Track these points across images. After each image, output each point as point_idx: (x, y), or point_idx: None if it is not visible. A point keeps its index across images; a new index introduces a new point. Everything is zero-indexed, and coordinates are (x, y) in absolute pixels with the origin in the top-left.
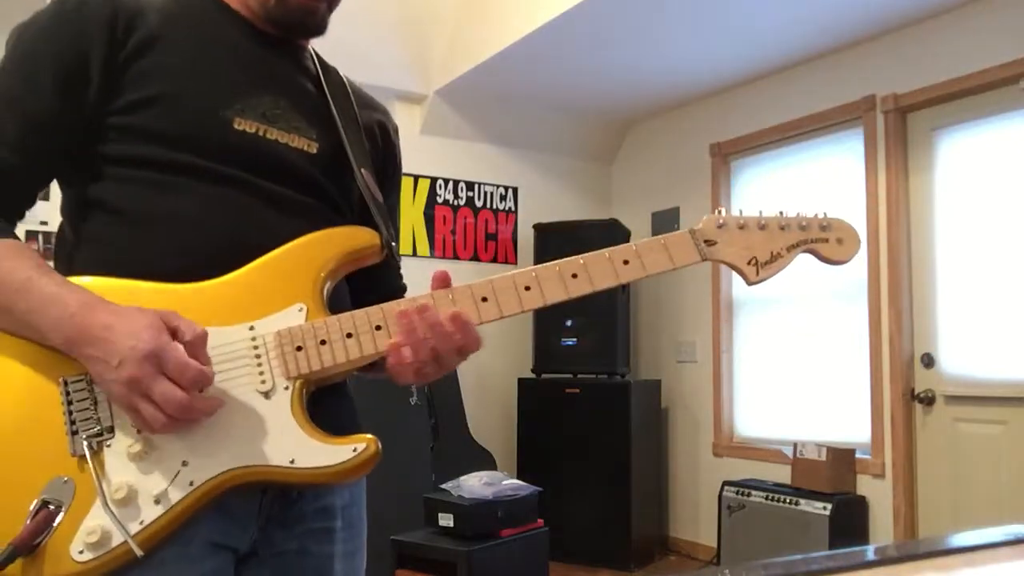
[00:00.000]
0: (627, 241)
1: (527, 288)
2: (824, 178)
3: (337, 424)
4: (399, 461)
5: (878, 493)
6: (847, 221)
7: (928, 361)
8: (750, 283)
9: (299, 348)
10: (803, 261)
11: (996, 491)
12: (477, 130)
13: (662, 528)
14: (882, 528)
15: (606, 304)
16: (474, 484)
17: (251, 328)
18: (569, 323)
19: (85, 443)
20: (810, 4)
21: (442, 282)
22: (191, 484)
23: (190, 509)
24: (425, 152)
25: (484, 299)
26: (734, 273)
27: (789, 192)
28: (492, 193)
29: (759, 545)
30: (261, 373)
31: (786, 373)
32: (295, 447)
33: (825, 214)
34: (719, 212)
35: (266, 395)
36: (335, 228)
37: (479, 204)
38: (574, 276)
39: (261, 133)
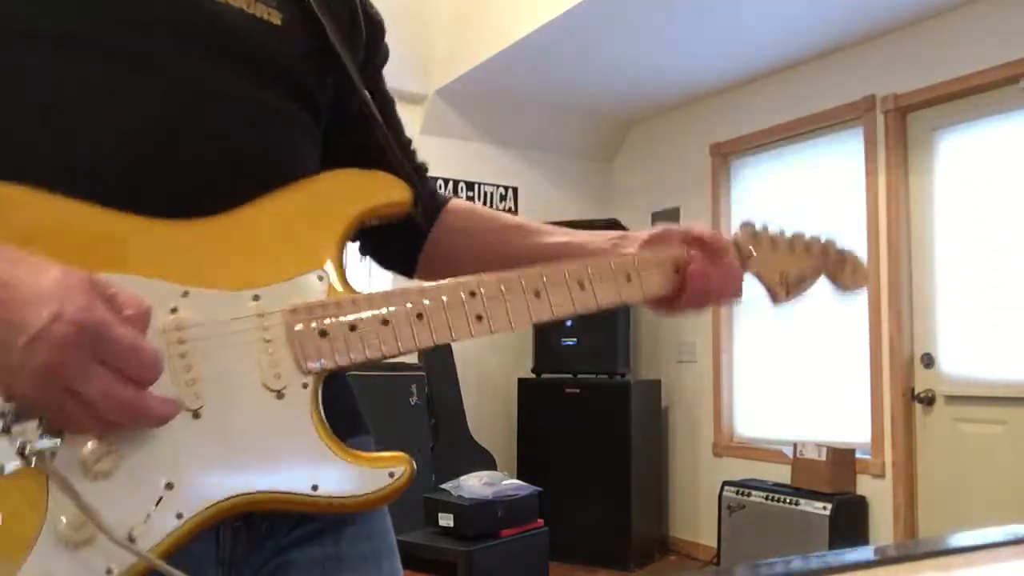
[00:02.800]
0: None
1: (581, 286)
2: (824, 178)
3: (343, 419)
4: None
5: (878, 493)
6: (856, 252)
7: (928, 361)
8: (778, 303)
9: (323, 333)
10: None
11: (996, 491)
12: (477, 130)
13: (662, 528)
14: (882, 528)
15: None
16: (474, 484)
17: (255, 298)
18: (569, 323)
19: (20, 457)
20: (810, 4)
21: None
22: (179, 517)
23: (172, 549)
24: (425, 152)
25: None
26: None
27: (789, 192)
28: (492, 193)
29: (759, 545)
30: (273, 364)
31: (786, 373)
32: (318, 467)
33: (839, 240)
34: (752, 223)
35: (278, 394)
36: (362, 172)
37: (479, 204)
38: (628, 278)
39: None
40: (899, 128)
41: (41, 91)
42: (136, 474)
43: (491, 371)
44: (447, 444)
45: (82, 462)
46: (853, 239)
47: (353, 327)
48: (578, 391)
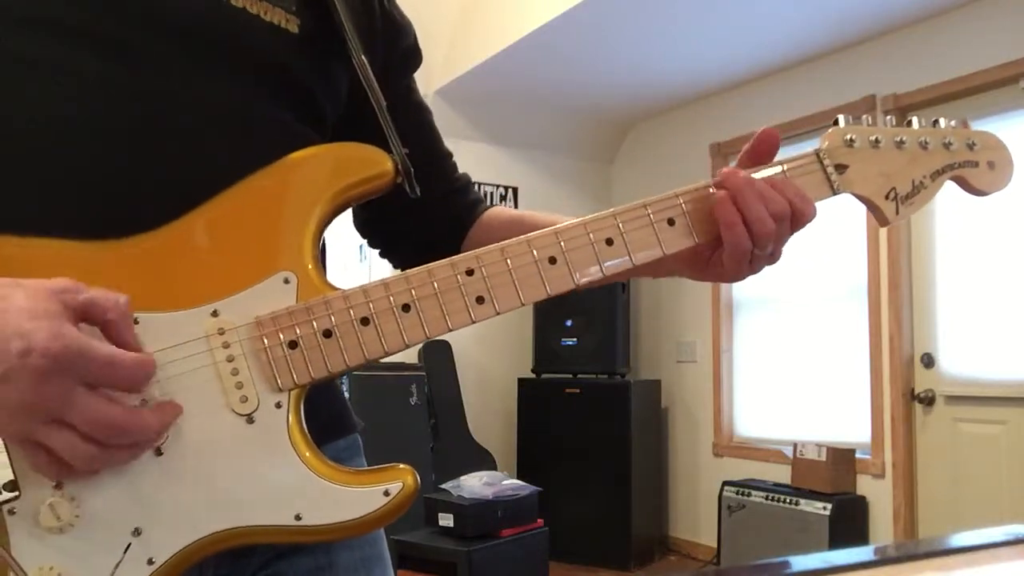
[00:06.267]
0: None
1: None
2: None
3: (327, 421)
4: (399, 461)
5: (878, 493)
6: (996, 136)
7: (928, 361)
8: (887, 224)
9: (293, 344)
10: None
11: (996, 491)
12: (477, 130)
13: (662, 528)
14: (882, 528)
15: (606, 304)
16: (474, 484)
17: (214, 314)
18: (569, 323)
19: None
20: (810, 4)
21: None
22: (150, 563)
23: None
24: None
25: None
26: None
27: None
28: (492, 193)
29: (759, 545)
30: (239, 386)
31: (786, 373)
32: (300, 494)
33: (966, 123)
34: (843, 121)
35: (248, 418)
36: (324, 147)
37: None
38: (670, 222)
39: None
40: None
41: (18, 78)
42: (100, 523)
43: (491, 371)
44: (447, 444)
45: (43, 515)
46: (852, 239)
47: (328, 333)
48: (578, 391)
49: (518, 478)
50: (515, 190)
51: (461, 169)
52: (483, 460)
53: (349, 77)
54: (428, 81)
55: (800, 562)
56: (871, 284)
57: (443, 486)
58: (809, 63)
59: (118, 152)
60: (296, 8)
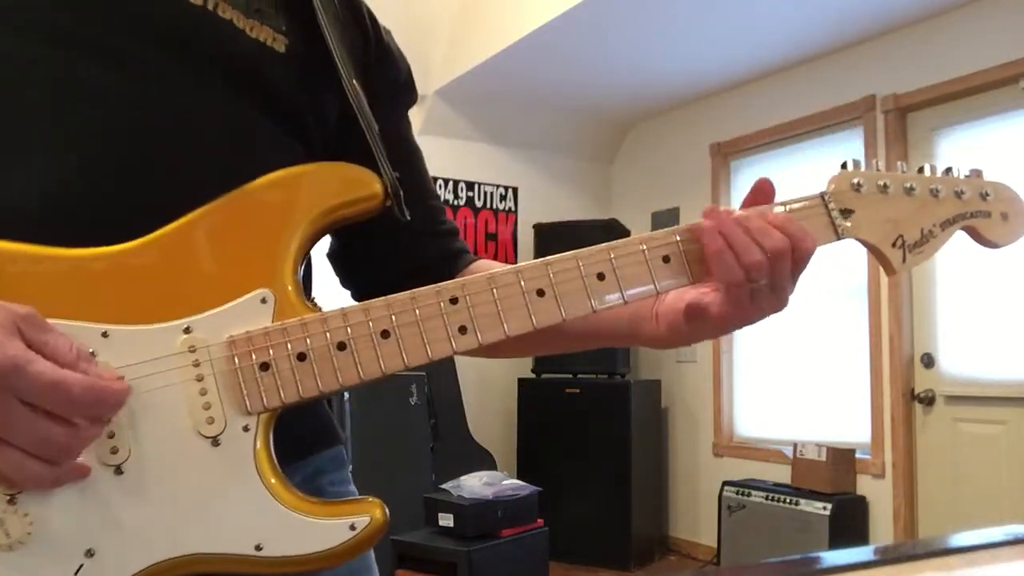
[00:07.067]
0: None
1: (600, 276)
2: (824, 178)
3: (310, 432)
4: (399, 461)
5: (878, 493)
6: (1010, 187)
7: (928, 361)
8: (894, 274)
9: (265, 366)
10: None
11: (996, 491)
12: (477, 130)
13: (662, 528)
14: (882, 528)
15: None
16: (474, 484)
17: (186, 330)
18: None
19: None
20: (810, 4)
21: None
22: None
23: None
24: (425, 152)
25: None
26: None
27: (789, 192)
28: (492, 193)
29: (759, 545)
30: (207, 406)
31: (786, 373)
32: (262, 524)
33: (981, 174)
34: (851, 164)
35: (213, 440)
36: (313, 165)
37: (479, 204)
38: (665, 260)
39: (211, 7)
40: (899, 128)
41: (18, 80)
42: (53, 541)
43: (491, 371)
44: (447, 444)
45: None
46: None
47: (302, 356)
48: (578, 391)
49: (518, 478)
50: (515, 190)
51: (462, 168)
52: (483, 460)
53: (339, 101)
54: (428, 81)
55: (800, 562)
56: (871, 284)
57: (443, 486)
58: (809, 63)
59: (118, 155)
60: (286, 28)
